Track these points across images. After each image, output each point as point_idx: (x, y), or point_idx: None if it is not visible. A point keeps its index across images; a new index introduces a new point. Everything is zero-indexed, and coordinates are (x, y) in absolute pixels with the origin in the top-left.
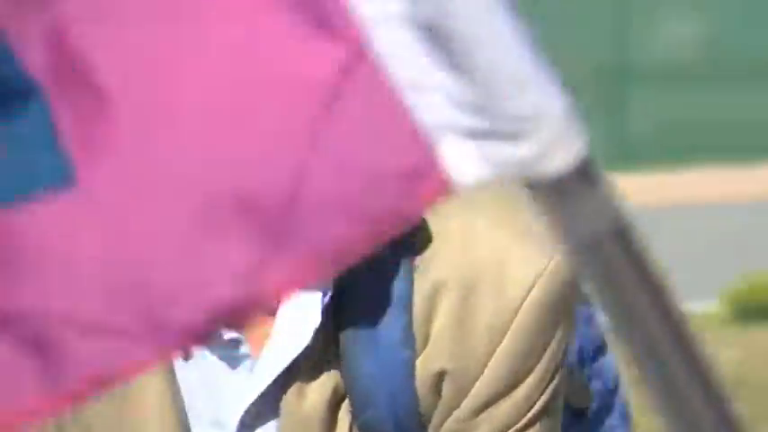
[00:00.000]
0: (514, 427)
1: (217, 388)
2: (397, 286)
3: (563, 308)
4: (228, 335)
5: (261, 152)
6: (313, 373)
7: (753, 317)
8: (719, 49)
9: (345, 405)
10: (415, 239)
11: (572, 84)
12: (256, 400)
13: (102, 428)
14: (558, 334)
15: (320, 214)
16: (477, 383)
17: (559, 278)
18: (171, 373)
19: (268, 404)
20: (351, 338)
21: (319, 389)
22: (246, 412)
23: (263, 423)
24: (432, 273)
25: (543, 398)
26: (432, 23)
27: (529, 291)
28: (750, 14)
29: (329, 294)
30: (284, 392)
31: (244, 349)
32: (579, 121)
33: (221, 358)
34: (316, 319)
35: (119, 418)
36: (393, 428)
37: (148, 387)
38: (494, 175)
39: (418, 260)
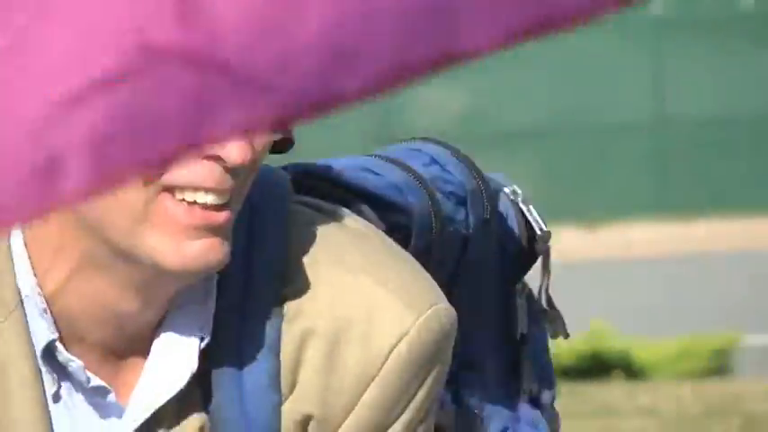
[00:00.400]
0: None
1: None
2: (267, 332)
3: (432, 359)
4: (93, 383)
5: None
6: (180, 416)
7: None
8: (477, 118)
9: None
10: (286, 288)
11: (338, 149)
12: None
13: None
14: (427, 383)
15: None
16: (342, 430)
17: (427, 333)
18: (47, 419)
19: None
20: (219, 382)
21: (188, 431)
22: None
23: None
24: (301, 321)
25: None
26: None
27: (396, 343)
28: (507, 86)
29: (206, 340)
30: None
31: (111, 398)
32: None
33: (91, 405)
34: (192, 364)
35: None
36: None
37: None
38: None
39: (287, 307)
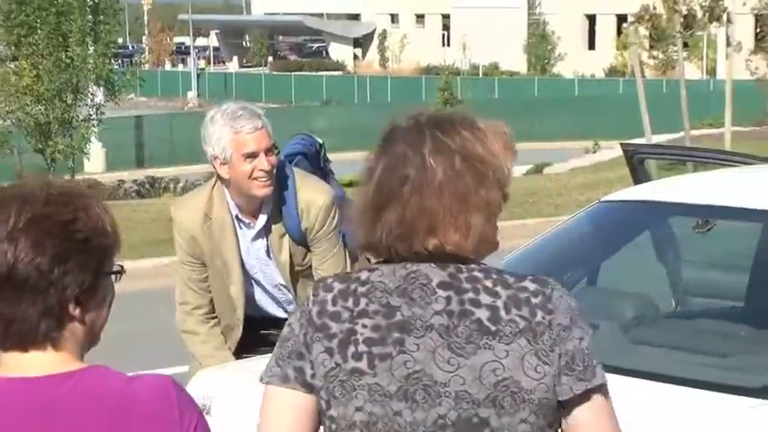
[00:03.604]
0: None
1: None
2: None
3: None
4: (249, 222)
5: None
6: (270, 226)
7: None
8: None
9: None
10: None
11: None
12: None
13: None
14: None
15: None
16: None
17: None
18: (236, 237)
19: None
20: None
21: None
22: None
23: None
24: (302, 201)
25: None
26: None
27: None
28: None
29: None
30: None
31: (251, 225)
32: None
33: (245, 228)
34: (267, 215)
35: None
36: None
37: None
38: None
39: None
